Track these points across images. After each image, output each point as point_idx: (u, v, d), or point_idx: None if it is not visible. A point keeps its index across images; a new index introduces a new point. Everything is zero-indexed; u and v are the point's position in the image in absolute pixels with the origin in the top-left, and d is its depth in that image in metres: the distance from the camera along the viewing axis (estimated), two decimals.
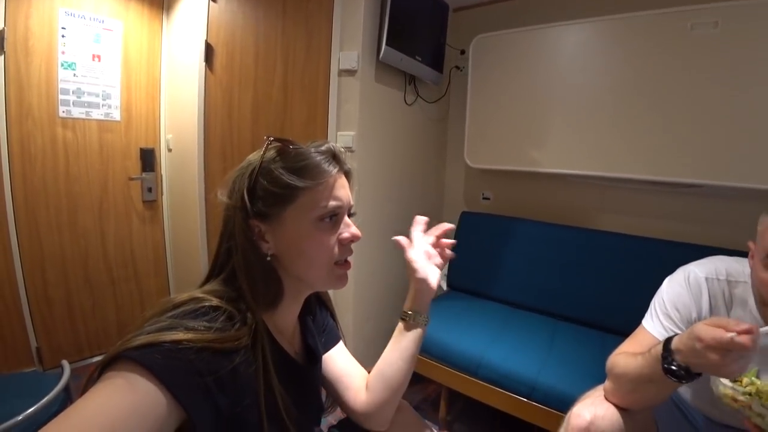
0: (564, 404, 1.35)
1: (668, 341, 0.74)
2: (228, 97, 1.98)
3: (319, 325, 0.82)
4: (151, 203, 2.34)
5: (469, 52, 2.18)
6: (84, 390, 0.46)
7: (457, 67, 2.36)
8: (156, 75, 2.26)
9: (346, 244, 0.64)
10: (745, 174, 1.57)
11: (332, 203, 0.61)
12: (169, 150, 2.31)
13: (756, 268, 0.79)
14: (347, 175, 0.67)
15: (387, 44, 1.77)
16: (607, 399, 0.89)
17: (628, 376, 0.82)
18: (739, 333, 0.60)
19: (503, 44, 2.08)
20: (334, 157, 0.63)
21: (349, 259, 0.67)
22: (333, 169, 0.62)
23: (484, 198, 2.46)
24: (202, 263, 2.13)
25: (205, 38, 1.93)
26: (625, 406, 0.86)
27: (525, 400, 1.47)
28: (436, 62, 2.17)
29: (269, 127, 1.92)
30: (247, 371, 0.56)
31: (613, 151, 1.84)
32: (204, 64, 1.94)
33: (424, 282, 0.73)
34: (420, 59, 1.99)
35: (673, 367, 0.71)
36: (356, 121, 1.80)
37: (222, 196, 0.63)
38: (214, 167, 2.04)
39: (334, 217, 0.63)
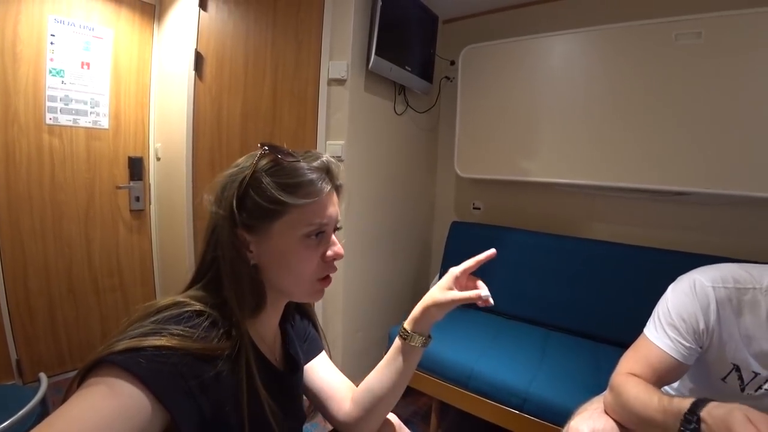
0: (556, 416, 1.34)
1: (696, 405, 0.69)
2: (217, 106, 1.97)
3: (299, 333, 0.81)
4: (139, 212, 2.32)
5: (459, 62, 2.20)
6: (67, 396, 0.45)
7: (447, 78, 2.38)
8: (146, 83, 2.25)
9: (329, 262, 0.63)
10: (731, 181, 1.59)
11: (320, 221, 0.60)
12: (158, 159, 2.29)
13: None
14: (338, 190, 0.66)
15: (376, 54, 1.78)
16: (606, 413, 0.87)
17: (638, 411, 0.78)
18: None
19: (492, 55, 2.10)
20: (328, 173, 0.62)
21: (331, 274, 0.66)
22: (326, 187, 0.61)
23: (474, 208, 2.46)
24: (189, 274, 2.09)
25: (195, 46, 1.92)
26: (627, 426, 0.83)
27: (516, 412, 1.45)
28: (426, 72, 2.18)
29: (258, 136, 1.91)
30: (230, 377, 0.55)
31: (602, 160, 1.85)
32: (194, 72, 1.94)
33: (441, 311, 0.75)
34: (410, 69, 2.00)
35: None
36: (345, 130, 1.79)
37: (209, 201, 0.61)
38: (203, 177, 2.02)
39: (321, 234, 0.61)
